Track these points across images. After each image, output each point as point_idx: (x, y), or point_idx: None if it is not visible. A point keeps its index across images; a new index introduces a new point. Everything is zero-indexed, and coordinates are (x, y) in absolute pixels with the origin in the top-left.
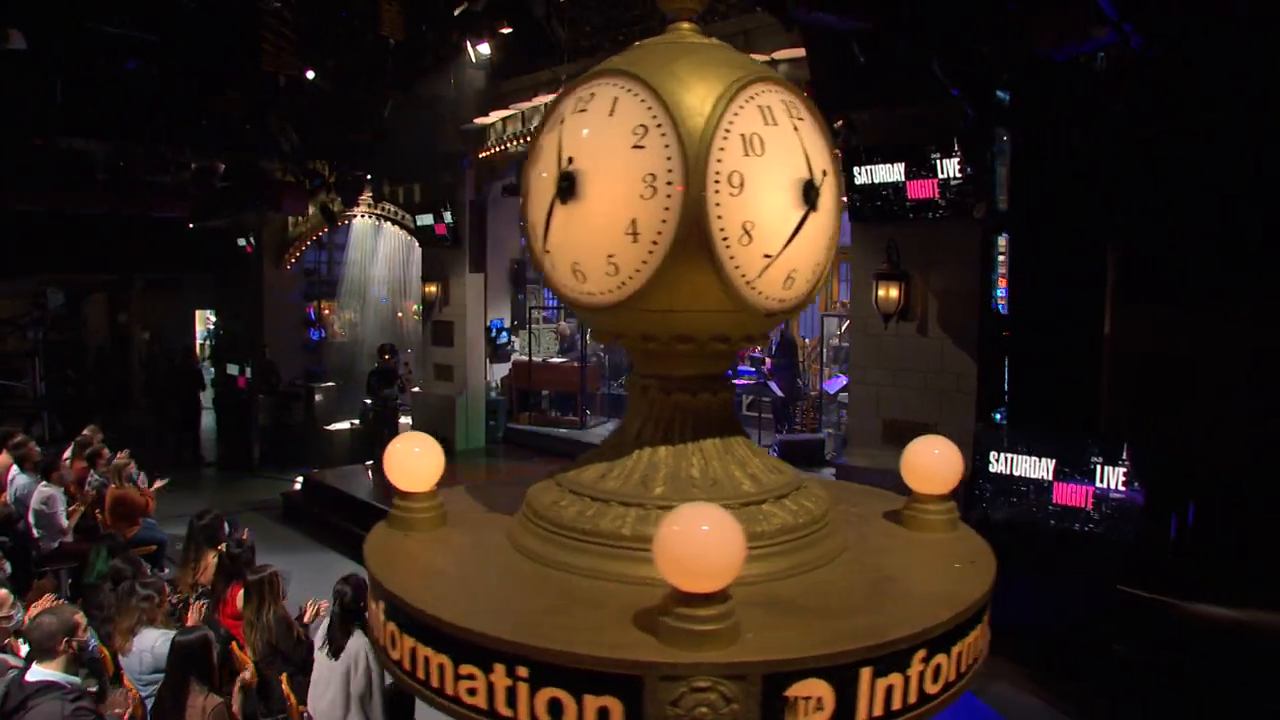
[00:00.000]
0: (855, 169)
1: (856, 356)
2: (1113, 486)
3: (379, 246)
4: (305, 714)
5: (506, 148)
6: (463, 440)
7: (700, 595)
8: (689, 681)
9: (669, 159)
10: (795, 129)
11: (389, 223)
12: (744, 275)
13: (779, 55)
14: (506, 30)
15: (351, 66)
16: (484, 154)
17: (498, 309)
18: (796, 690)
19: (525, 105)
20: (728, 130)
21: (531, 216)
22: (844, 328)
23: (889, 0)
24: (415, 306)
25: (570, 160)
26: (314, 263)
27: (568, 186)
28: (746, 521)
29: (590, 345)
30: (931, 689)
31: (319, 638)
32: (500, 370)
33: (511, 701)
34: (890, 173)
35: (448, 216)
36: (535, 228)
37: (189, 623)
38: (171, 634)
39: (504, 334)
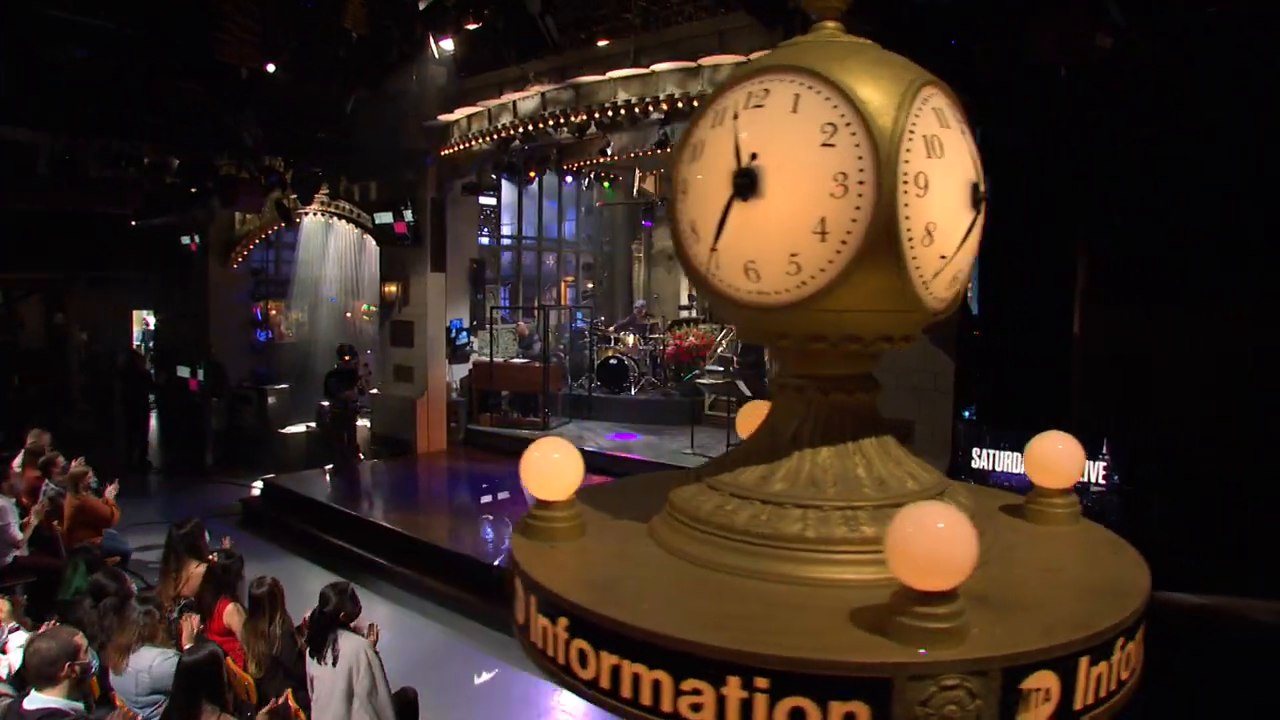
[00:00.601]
0: None
1: None
2: (1093, 480)
3: (330, 245)
4: None
5: (471, 145)
6: (424, 442)
7: (936, 593)
8: (937, 680)
9: (860, 158)
10: (963, 132)
11: (344, 221)
12: (922, 276)
13: (756, 56)
14: (473, 26)
15: (314, 60)
16: (447, 151)
17: (456, 309)
18: (1030, 683)
19: (493, 102)
20: (912, 131)
21: (692, 215)
22: None
23: (892, 3)
24: (365, 306)
25: (754, 156)
26: (261, 262)
27: (749, 184)
28: (885, 524)
29: (551, 345)
30: (1124, 675)
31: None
32: (459, 371)
33: (747, 714)
34: None
35: (408, 215)
36: (700, 226)
37: (184, 639)
38: (171, 652)
39: (463, 334)
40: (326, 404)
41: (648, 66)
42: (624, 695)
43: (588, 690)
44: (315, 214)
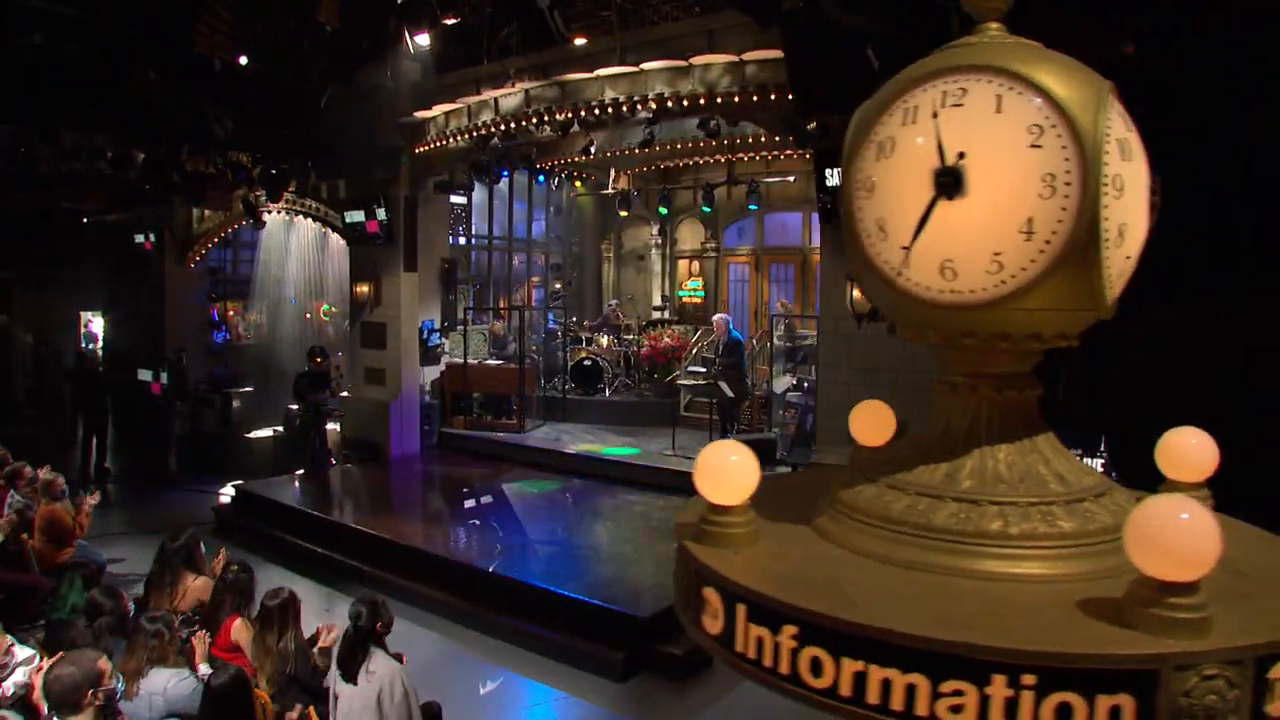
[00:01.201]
0: (827, 171)
1: (826, 356)
2: None
3: (291, 244)
4: None
5: (447, 143)
6: (397, 446)
7: (1180, 585)
8: (1198, 670)
9: (1066, 159)
10: (1139, 135)
11: (310, 219)
12: (1109, 276)
13: (749, 56)
14: (452, 21)
15: (287, 54)
16: (421, 149)
17: (427, 310)
18: (1275, 672)
19: (474, 99)
20: (1108, 133)
21: (879, 213)
22: (779, 329)
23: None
24: (325, 307)
25: (961, 156)
26: (218, 261)
27: (954, 182)
28: (1079, 519)
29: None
30: None
31: (331, 663)
32: (430, 373)
33: (1012, 713)
34: None
35: (381, 213)
36: (890, 224)
37: (197, 658)
38: (185, 673)
39: (434, 335)
40: (295, 407)
41: (637, 65)
42: (870, 702)
43: (822, 699)
44: (280, 212)
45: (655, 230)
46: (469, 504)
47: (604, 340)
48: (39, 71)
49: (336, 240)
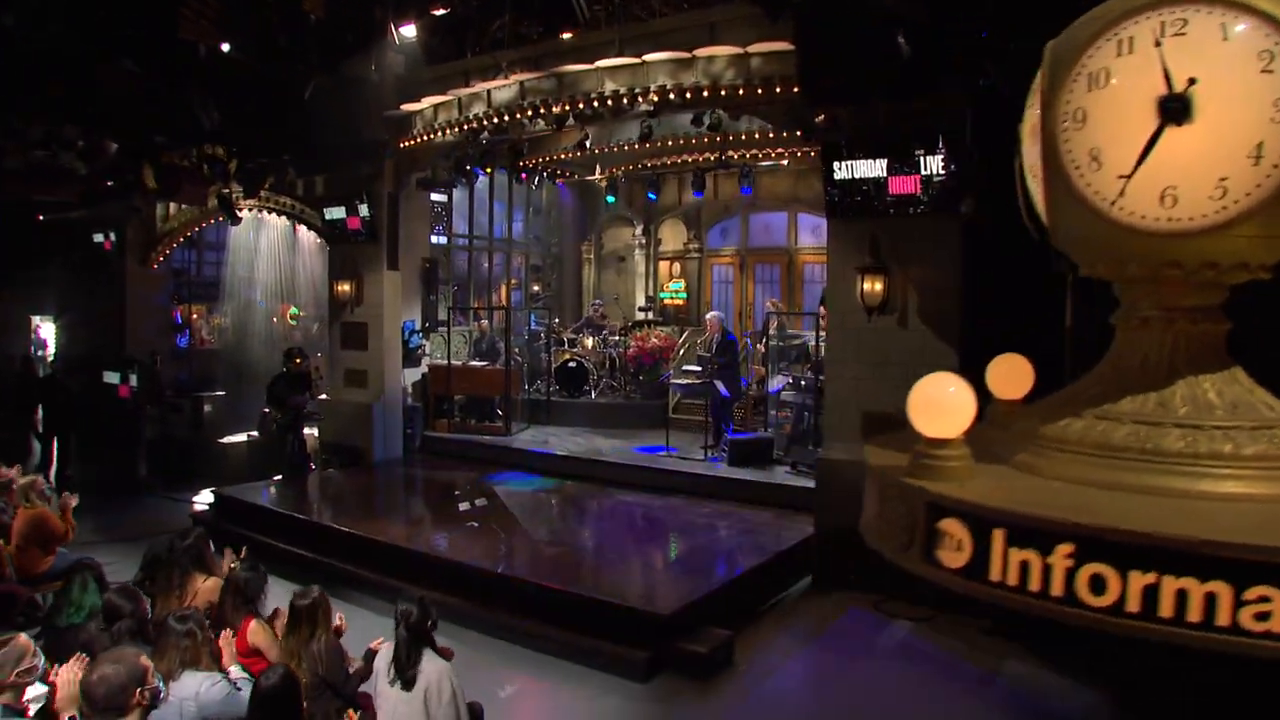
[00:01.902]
0: (835, 164)
1: (834, 351)
2: None
3: (261, 244)
4: None
5: (434, 137)
6: (380, 450)
7: None
8: None
9: None
10: None
11: (285, 217)
12: None
13: (754, 49)
14: (441, 11)
15: (271, 43)
16: (406, 143)
17: (408, 310)
18: None
19: (465, 91)
20: None
21: (1094, 142)
22: (773, 326)
23: None
24: (292, 310)
25: (1192, 81)
26: (182, 263)
27: (1182, 109)
28: None
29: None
30: None
31: (382, 667)
32: (410, 375)
33: None
34: (872, 168)
35: (364, 209)
36: (1107, 154)
37: (224, 660)
38: (218, 676)
39: (415, 336)
40: (269, 410)
41: (639, 56)
42: (1163, 615)
43: (1104, 617)
44: (254, 210)
45: (639, 230)
46: (465, 506)
47: (589, 341)
48: (8, 56)
49: (307, 240)
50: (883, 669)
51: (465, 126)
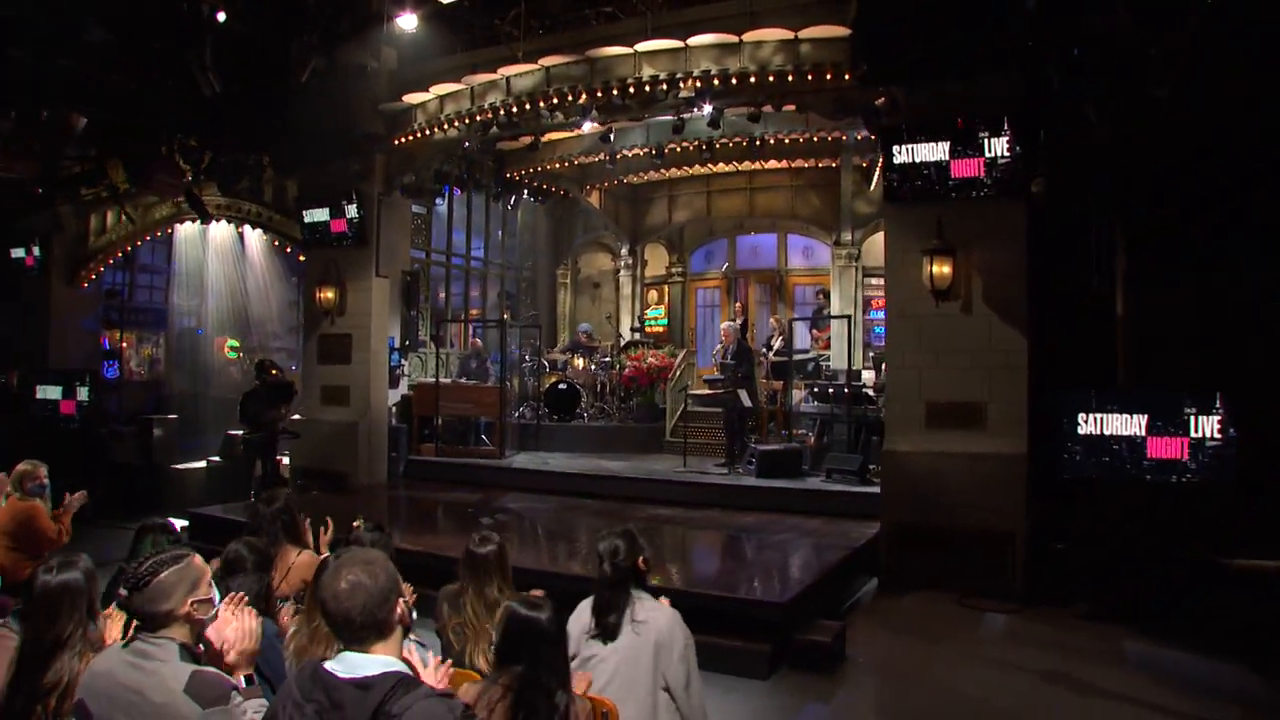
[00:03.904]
0: (895, 148)
1: (894, 340)
2: (1208, 435)
3: (209, 265)
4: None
5: (433, 132)
6: (365, 474)
7: None
8: None
9: None
10: None
11: (250, 225)
12: None
13: (806, 33)
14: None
15: (266, 19)
16: (403, 140)
17: (389, 326)
18: None
19: (482, 78)
20: None
21: None
22: (777, 341)
23: None
24: (230, 343)
25: None
26: (112, 283)
27: None
28: None
29: (490, 369)
30: None
31: (581, 627)
32: (390, 397)
33: None
34: (933, 151)
35: (352, 210)
36: None
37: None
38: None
39: (394, 354)
40: (244, 430)
41: (683, 40)
42: None
43: None
44: (214, 218)
45: (624, 250)
46: (506, 519)
47: (579, 363)
48: None
49: (259, 259)
50: (1004, 656)
51: (476, 118)
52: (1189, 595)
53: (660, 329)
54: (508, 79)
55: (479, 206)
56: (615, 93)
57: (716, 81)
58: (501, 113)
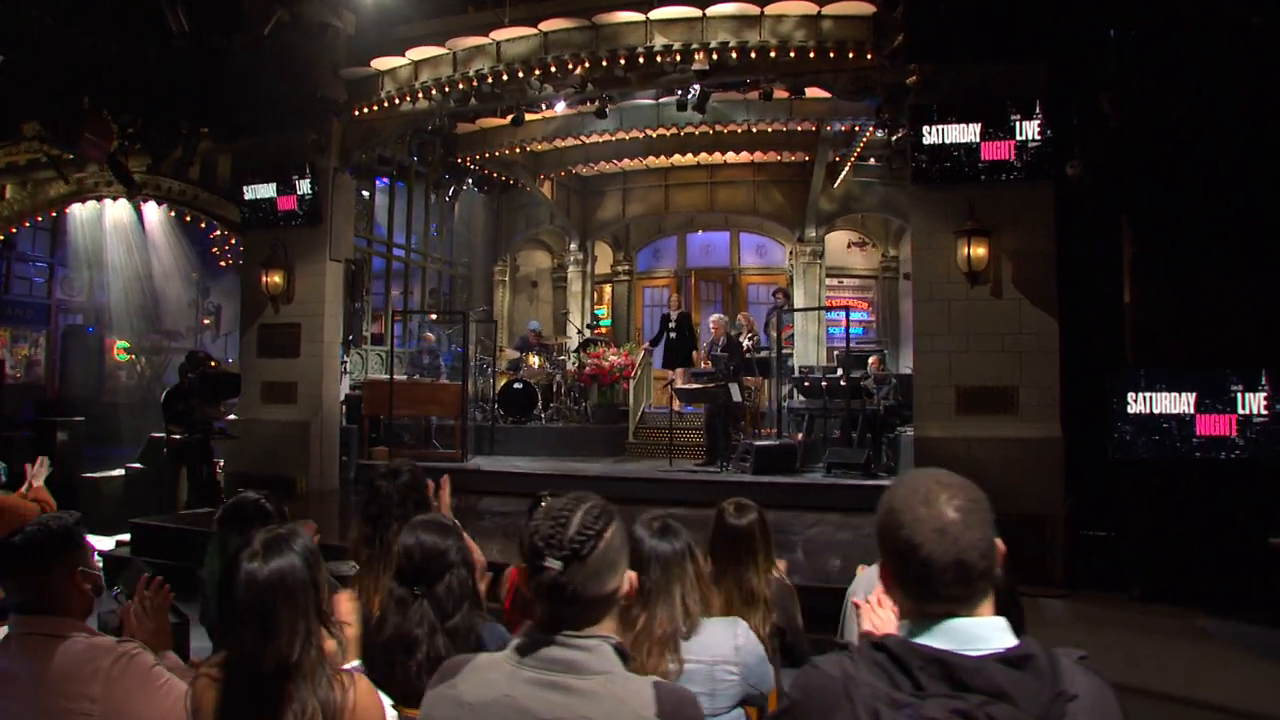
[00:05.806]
0: (925, 129)
1: (922, 324)
2: (1255, 411)
3: (107, 253)
4: None
5: (401, 102)
6: (315, 479)
7: None
8: None
9: None
10: None
11: (170, 204)
12: None
13: (830, 9)
14: None
15: None
16: (365, 110)
17: None
18: None
19: (469, 41)
20: None
21: None
22: (746, 338)
23: None
24: (119, 345)
25: None
26: None
27: None
28: None
29: (439, 368)
30: None
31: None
32: None
33: None
34: (964, 133)
35: (304, 186)
36: None
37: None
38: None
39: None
40: (171, 431)
41: (702, 8)
42: None
43: None
44: (145, 198)
45: (574, 245)
46: (502, 519)
47: (534, 361)
48: None
49: (164, 252)
50: (1083, 639)
51: (458, 85)
52: (1244, 574)
53: (604, 330)
54: (498, 44)
55: (413, 196)
56: (622, 62)
57: (734, 55)
58: (489, 80)
